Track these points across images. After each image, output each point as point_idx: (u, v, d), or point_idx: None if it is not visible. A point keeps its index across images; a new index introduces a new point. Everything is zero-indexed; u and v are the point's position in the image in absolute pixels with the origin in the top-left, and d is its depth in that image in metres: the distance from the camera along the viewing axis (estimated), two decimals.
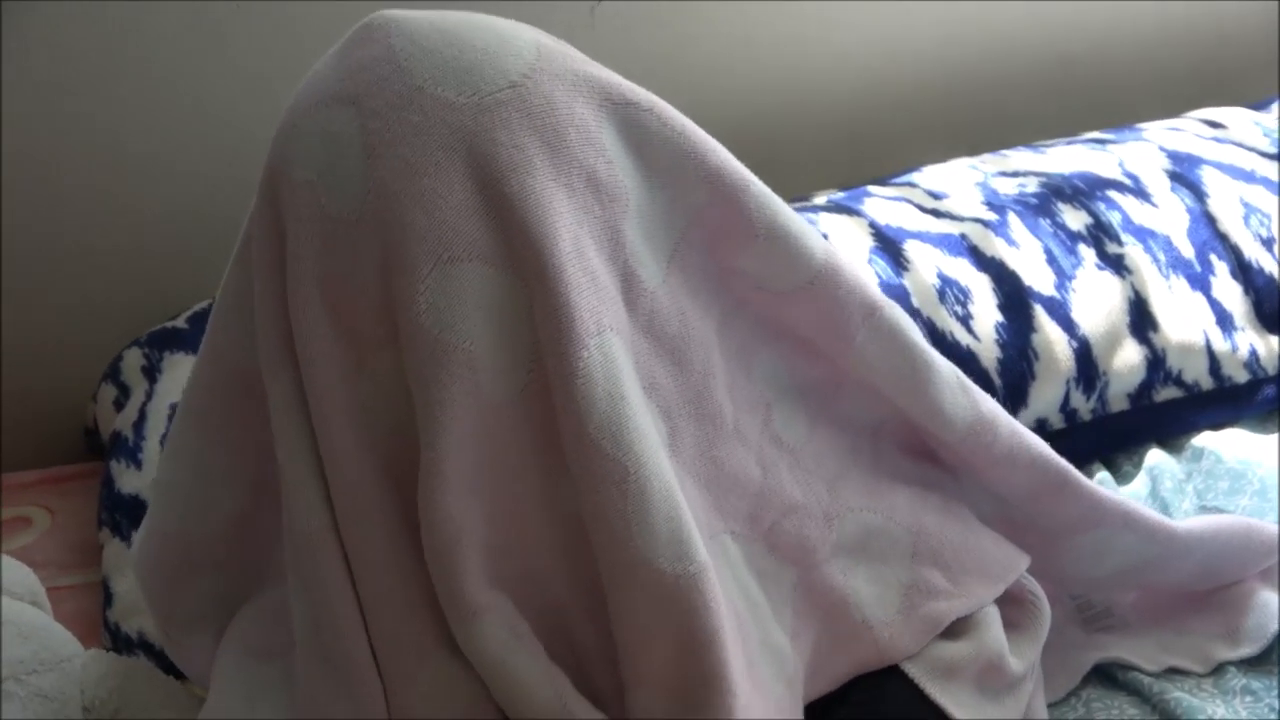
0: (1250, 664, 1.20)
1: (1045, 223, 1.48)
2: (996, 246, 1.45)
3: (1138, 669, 1.19)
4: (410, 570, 0.90)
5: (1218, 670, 1.19)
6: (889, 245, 1.43)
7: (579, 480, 0.87)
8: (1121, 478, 1.41)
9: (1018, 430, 1.09)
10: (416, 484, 0.87)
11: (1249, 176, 1.58)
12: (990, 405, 1.07)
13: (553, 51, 0.90)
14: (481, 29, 0.89)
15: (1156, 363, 1.43)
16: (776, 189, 0.98)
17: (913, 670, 1.03)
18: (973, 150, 1.68)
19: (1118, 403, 1.43)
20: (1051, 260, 1.45)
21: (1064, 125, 1.79)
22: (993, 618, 1.07)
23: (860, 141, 1.84)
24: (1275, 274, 1.50)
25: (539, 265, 0.85)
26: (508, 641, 0.89)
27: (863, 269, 1.39)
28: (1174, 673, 1.19)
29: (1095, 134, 1.70)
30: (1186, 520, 1.20)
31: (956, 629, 1.05)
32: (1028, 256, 1.45)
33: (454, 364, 0.85)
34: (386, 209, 0.85)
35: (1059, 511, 1.12)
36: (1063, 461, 1.11)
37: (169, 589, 1.05)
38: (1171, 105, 1.83)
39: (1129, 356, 1.43)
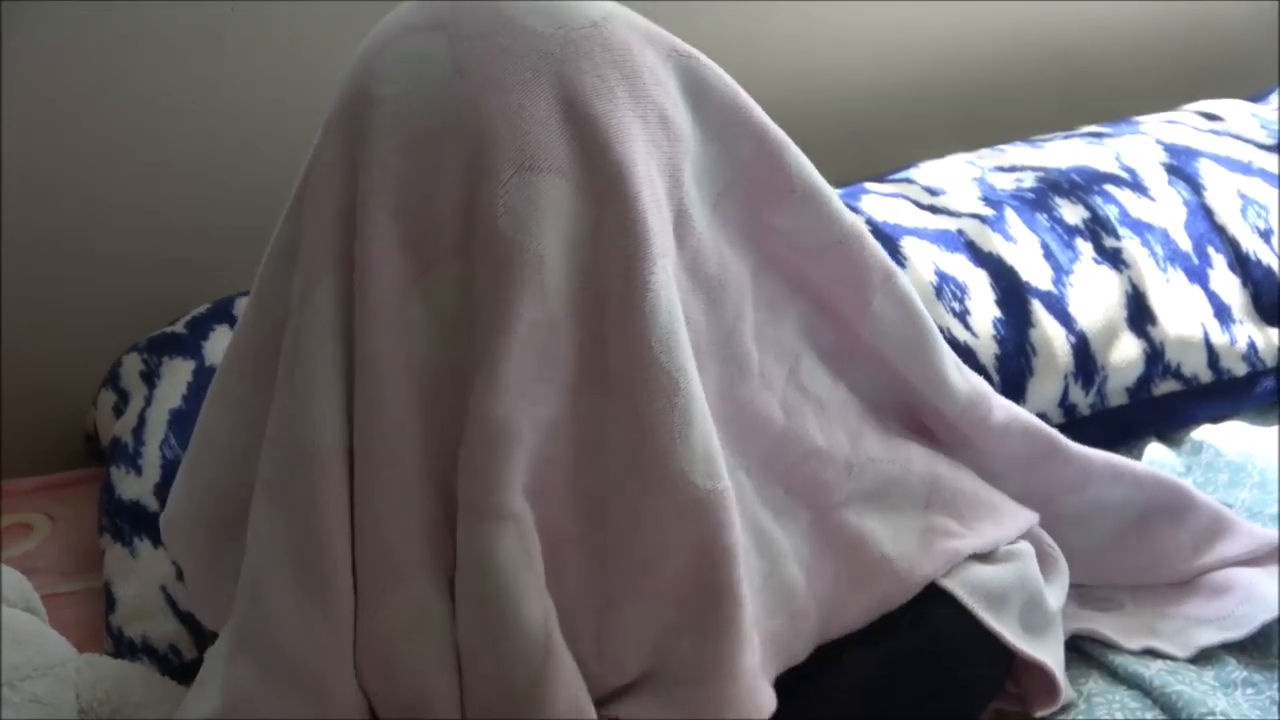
0: (1251, 656, 1.20)
1: (1042, 217, 1.48)
2: (994, 242, 1.45)
3: (1116, 646, 1.20)
4: (416, 493, 0.92)
5: (1218, 662, 1.19)
6: (886, 241, 1.43)
7: (634, 393, 0.91)
8: None
9: (1008, 404, 1.16)
10: (449, 407, 0.91)
11: (1246, 168, 1.57)
12: (983, 382, 1.15)
13: (620, 6, 0.96)
14: None
15: (1155, 356, 1.43)
16: None
17: (964, 596, 1.07)
18: (972, 146, 1.68)
19: (1116, 397, 1.43)
20: (1049, 255, 1.45)
21: (1063, 120, 1.79)
22: (1029, 553, 1.13)
23: (859, 138, 1.84)
24: (1273, 266, 1.50)
25: (618, 184, 0.90)
26: (519, 556, 0.90)
27: None
28: (1166, 660, 1.19)
29: (1092, 128, 1.70)
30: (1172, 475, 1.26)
31: (996, 556, 1.11)
32: (1025, 251, 1.44)
33: (525, 266, 0.88)
34: (473, 121, 0.89)
35: (1053, 475, 1.19)
36: (1050, 428, 1.18)
37: (211, 541, 1.05)
38: (1170, 100, 1.82)
39: (1127, 350, 1.42)
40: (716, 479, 0.92)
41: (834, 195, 1.04)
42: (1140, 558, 1.25)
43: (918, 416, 1.14)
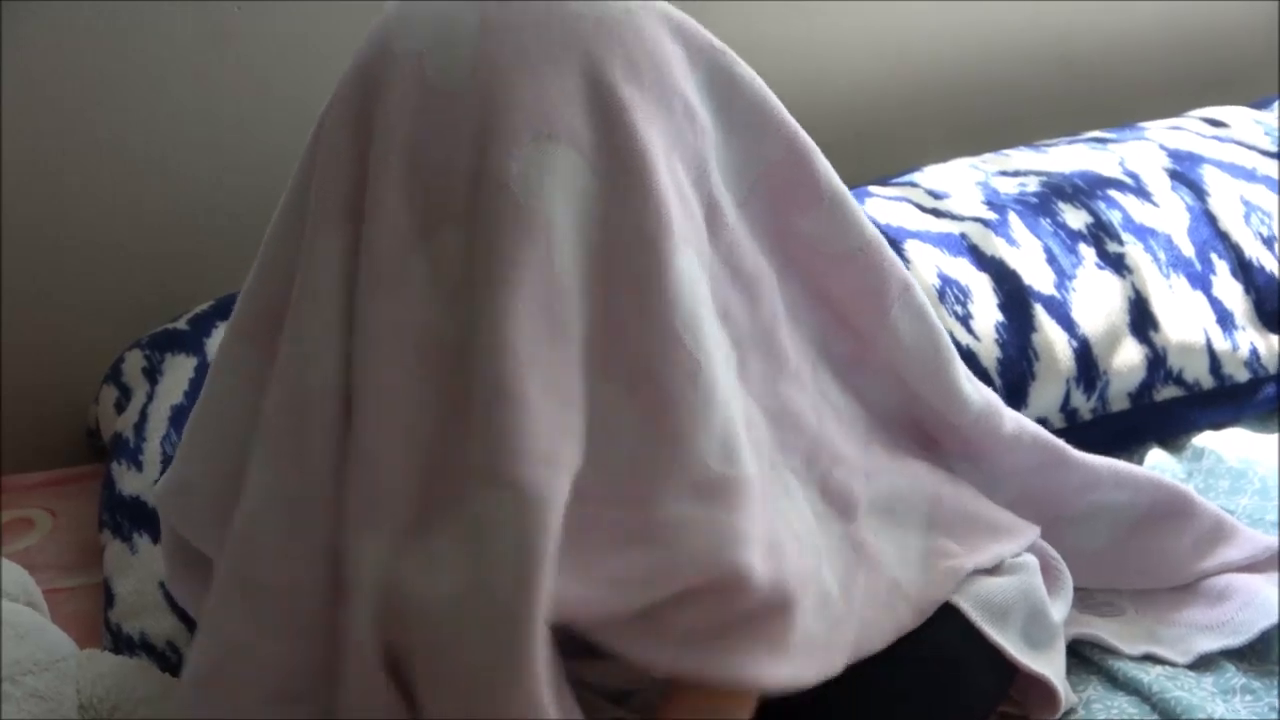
0: (1250, 663, 1.20)
1: (1045, 222, 1.48)
2: (997, 246, 1.45)
3: (1115, 651, 1.20)
4: (405, 446, 0.91)
5: (1217, 668, 1.19)
6: (888, 245, 1.42)
7: (655, 374, 0.90)
8: None
9: (1016, 415, 1.17)
10: (447, 374, 0.90)
11: (1250, 175, 1.57)
12: (993, 394, 1.15)
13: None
14: None
15: (1157, 362, 1.43)
16: None
17: (968, 609, 1.07)
18: (976, 150, 1.68)
19: (1118, 402, 1.43)
20: (1052, 259, 1.45)
21: (1067, 125, 1.79)
22: (1034, 566, 1.13)
23: (864, 141, 1.84)
24: (1276, 273, 1.50)
25: (639, 167, 0.90)
26: (516, 527, 0.86)
27: None
28: (1166, 667, 1.19)
29: (1096, 133, 1.70)
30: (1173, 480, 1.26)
31: (1000, 569, 1.11)
32: (1028, 256, 1.45)
33: (534, 228, 0.87)
34: (494, 83, 0.89)
35: (1058, 483, 1.19)
36: (1057, 439, 1.19)
37: (202, 512, 1.03)
38: (1173, 105, 1.82)
39: (1129, 356, 1.42)
40: (734, 465, 0.91)
41: (857, 204, 1.05)
42: (1141, 561, 1.25)
43: (924, 429, 1.14)
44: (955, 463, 1.15)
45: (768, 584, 0.91)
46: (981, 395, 1.13)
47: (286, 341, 0.94)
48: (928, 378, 1.10)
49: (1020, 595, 1.10)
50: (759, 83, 0.99)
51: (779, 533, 0.95)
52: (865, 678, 1.02)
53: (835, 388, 1.08)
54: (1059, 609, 1.14)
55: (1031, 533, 1.15)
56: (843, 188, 1.04)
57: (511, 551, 0.85)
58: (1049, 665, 1.11)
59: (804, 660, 0.94)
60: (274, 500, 0.94)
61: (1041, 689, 1.12)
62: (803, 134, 1.01)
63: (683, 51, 0.95)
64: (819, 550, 1.01)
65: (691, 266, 0.92)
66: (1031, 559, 1.14)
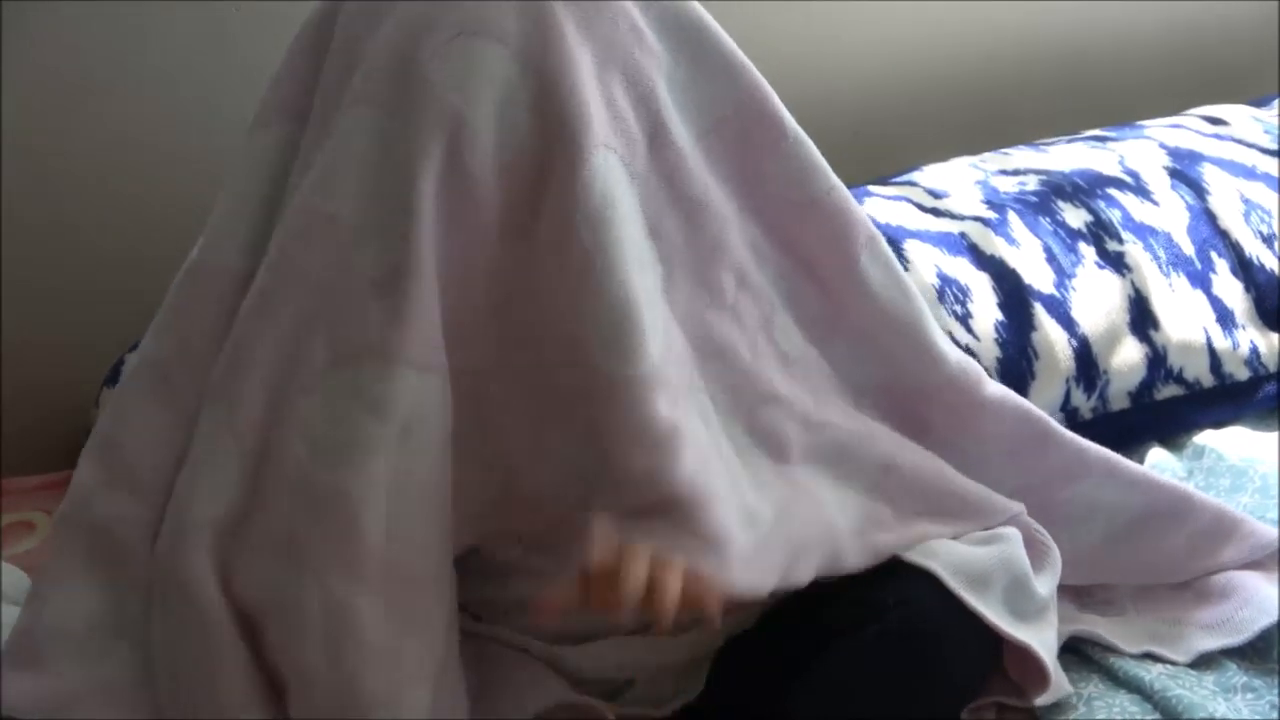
0: (1251, 661, 1.20)
1: (1045, 221, 1.48)
2: (996, 245, 1.45)
3: (1115, 649, 1.20)
4: (291, 330, 0.96)
5: (1218, 667, 1.19)
6: (888, 244, 1.42)
7: (552, 263, 0.96)
8: None
9: (1001, 386, 1.18)
10: (354, 261, 0.95)
11: (1249, 173, 1.57)
12: (972, 360, 1.17)
13: None
14: None
15: (1157, 361, 1.43)
16: None
17: (946, 577, 1.06)
18: (975, 149, 1.68)
19: (1119, 401, 1.43)
20: (1051, 258, 1.45)
21: (1067, 123, 1.78)
22: (1014, 537, 1.12)
23: (864, 140, 1.84)
24: (1276, 271, 1.50)
25: (563, 64, 0.95)
26: (411, 402, 0.95)
27: None
28: (1168, 665, 1.19)
29: (1096, 131, 1.70)
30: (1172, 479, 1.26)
31: (977, 538, 1.11)
32: (1027, 255, 1.44)
33: (446, 118, 0.93)
34: None
35: (1046, 462, 1.19)
36: (1045, 415, 1.19)
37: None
38: (1174, 104, 1.82)
39: (1129, 355, 1.42)
40: (626, 364, 0.95)
41: (818, 152, 1.09)
42: (1135, 560, 1.25)
43: (903, 402, 1.14)
44: (934, 444, 1.15)
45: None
46: (958, 354, 1.15)
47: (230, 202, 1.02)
48: (900, 331, 1.12)
49: (1000, 564, 1.09)
50: (724, 33, 1.04)
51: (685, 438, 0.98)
52: (848, 650, 1.03)
53: (798, 337, 1.10)
54: (1045, 583, 1.13)
55: (1004, 513, 1.14)
56: (804, 134, 1.08)
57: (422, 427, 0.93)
58: (1035, 637, 1.10)
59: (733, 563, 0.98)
60: (146, 366, 1.00)
61: (1033, 665, 1.11)
62: (764, 82, 1.06)
63: None
64: (736, 474, 1.03)
65: (608, 168, 0.96)
66: (1013, 530, 1.13)
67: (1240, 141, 1.64)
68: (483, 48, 0.93)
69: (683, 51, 1.02)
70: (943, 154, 1.67)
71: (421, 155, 0.93)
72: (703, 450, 1.00)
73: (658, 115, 1.01)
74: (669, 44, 1.02)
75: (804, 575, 1.04)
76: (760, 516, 1.02)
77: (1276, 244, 1.51)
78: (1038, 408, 1.37)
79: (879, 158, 1.76)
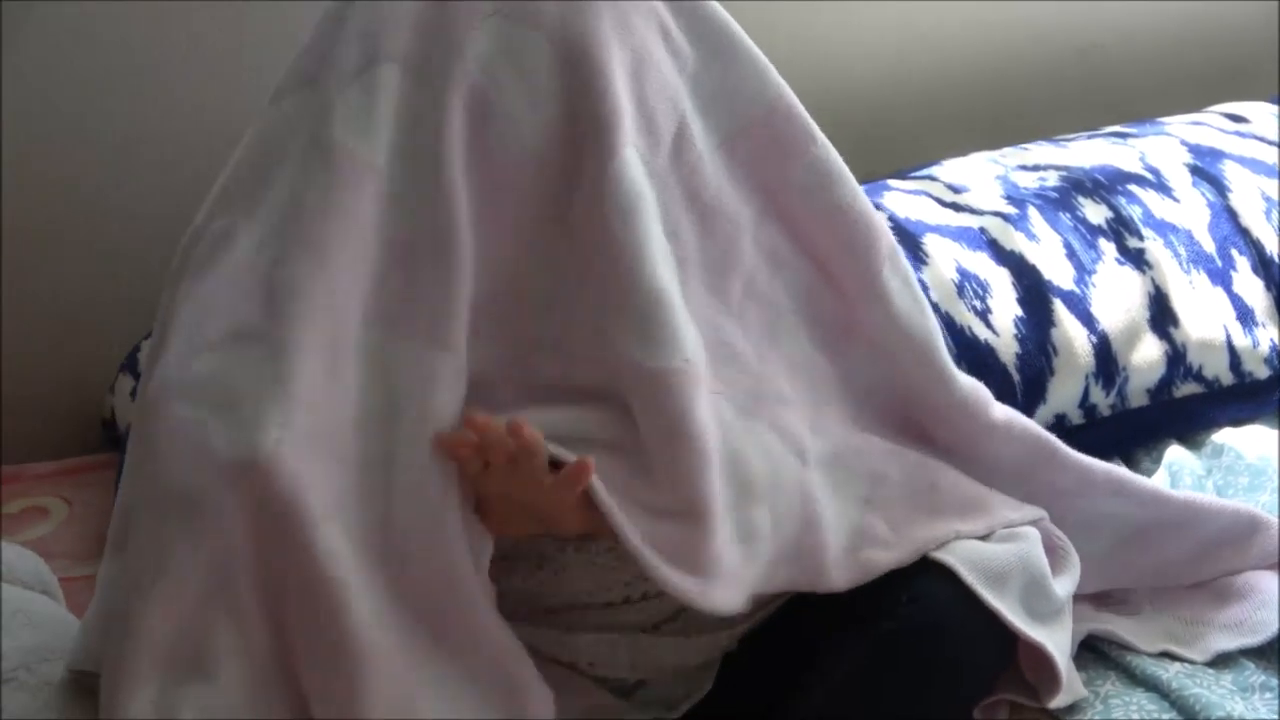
0: (1269, 661, 1.20)
1: (1065, 217, 1.47)
2: (1016, 240, 1.44)
3: (1133, 648, 1.20)
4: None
5: (1236, 666, 1.19)
6: (908, 239, 1.42)
7: (585, 248, 0.97)
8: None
9: (1010, 409, 1.17)
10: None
11: (1271, 171, 1.57)
12: (983, 386, 1.16)
13: None
14: None
15: (1177, 358, 1.43)
16: None
17: (964, 573, 1.06)
18: (994, 144, 1.67)
19: (1137, 398, 1.42)
20: (1071, 254, 1.44)
21: (1086, 119, 1.78)
22: (1034, 536, 1.12)
23: (881, 135, 1.84)
24: None
25: (597, 56, 0.96)
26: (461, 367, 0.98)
27: None
28: (1185, 664, 1.19)
29: (1116, 127, 1.69)
30: (1182, 490, 1.24)
31: (996, 536, 1.10)
32: (1047, 251, 1.44)
33: (482, 104, 0.96)
34: None
35: (1051, 481, 1.18)
36: (1050, 435, 1.18)
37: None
38: (1191, 101, 1.82)
39: (1149, 352, 1.42)
40: (660, 356, 0.96)
41: (844, 164, 1.09)
42: (1142, 568, 1.24)
43: (909, 418, 1.13)
44: (938, 455, 1.14)
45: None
46: (969, 381, 1.14)
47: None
48: (915, 350, 1.11)
49: (1018, 562, 1.09)
50: (751, 42, 1.05)
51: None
52: (861, 644, 1.03)
53: (805, 343, 1.09)
54: (1063, 585, 1.13)
55: (1031, 512, 1.14)
56: (829, 143, 1.09)
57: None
58: (1050, 638, 1.09)
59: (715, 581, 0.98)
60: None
61: (1046, 667, 1.11)
62: (789, 90, 1.07)
63: None
64: (759, 491, 1.02)
65: (636, 162, 0.97)
66: (1031, 530, 1.13)
67: (1261, 139, 1.64)
68: (521, 34, 0.95)
69: (713, 53, 1.03)
70: (960, 150, 1.66)
71: (450, 134, 0.95)
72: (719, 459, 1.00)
73: (683, 117, 1.01)
74: (698, 45, 1.02)
75: (779, 590, 1.05)
76: (758, 531, 1.02)
77: None
78: (1061, 406, 1.38)
79: (898, 152, 1.76)
